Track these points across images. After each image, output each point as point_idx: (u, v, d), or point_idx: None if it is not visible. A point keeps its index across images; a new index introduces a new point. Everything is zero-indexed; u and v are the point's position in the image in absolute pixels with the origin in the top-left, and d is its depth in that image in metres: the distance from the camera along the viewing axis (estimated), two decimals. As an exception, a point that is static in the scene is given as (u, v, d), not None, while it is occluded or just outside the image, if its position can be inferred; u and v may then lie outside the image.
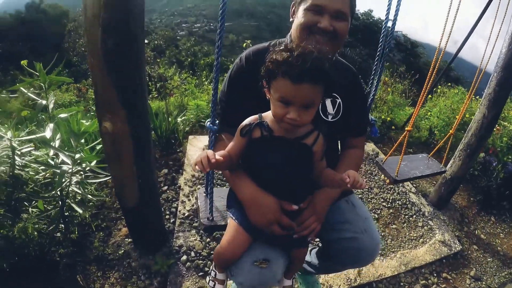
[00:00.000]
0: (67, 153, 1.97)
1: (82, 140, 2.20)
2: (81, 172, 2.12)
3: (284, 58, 1.06)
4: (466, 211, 3.74)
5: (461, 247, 3.05)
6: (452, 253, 2.96)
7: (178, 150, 3.75)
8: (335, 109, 1.52)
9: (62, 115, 2.17)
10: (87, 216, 2.56)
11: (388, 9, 1.63)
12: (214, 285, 1.46)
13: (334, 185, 1.26)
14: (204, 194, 1.71)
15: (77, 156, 2.05)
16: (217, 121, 1.47)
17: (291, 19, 1.49)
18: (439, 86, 5.32)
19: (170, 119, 4.06)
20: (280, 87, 1.08)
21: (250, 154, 1.26)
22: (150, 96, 5.67)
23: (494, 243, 3.39)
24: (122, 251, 2.44)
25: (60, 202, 2.17)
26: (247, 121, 1.24)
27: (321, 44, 1.28)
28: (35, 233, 2.15)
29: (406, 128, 2.29)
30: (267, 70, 1.12)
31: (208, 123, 1.46)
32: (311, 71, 1.04)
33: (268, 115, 1.23)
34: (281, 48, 1.12)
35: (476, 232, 3.46)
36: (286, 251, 1.40)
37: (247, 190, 1.29)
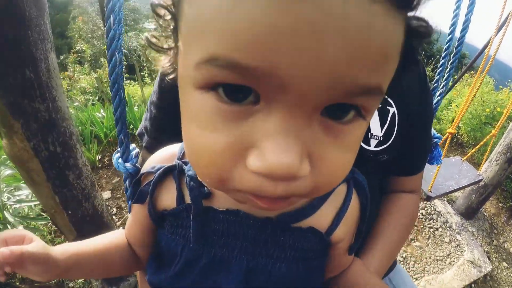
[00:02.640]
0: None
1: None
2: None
3: None
4: (495, 219, 3.28)
5: (491, 266, 2.57)
6: (482, 275, 2.48)
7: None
8: (384, 128, 0.74)
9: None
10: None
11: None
12: None
13: None
14: None
15: (6, 173, 1.58)
16: (136, 151, 0.74)
17: None
18: (466, 75, 4.71)
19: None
20: (218, 8, 0.25)
21: (161, 254, 0.54)
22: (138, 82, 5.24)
23: (523, 258, 2.98)
24: (83, 279, 2.04)
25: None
26: (154, 158, 0.55)
27: None
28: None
29: (448, 131, 1.74)
30: None
31: (117, 156, 0.71)
32: None
33: None
34: None
35: (506, 245, 3.01)
36: None
37: None
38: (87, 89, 5.42)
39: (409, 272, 2.37)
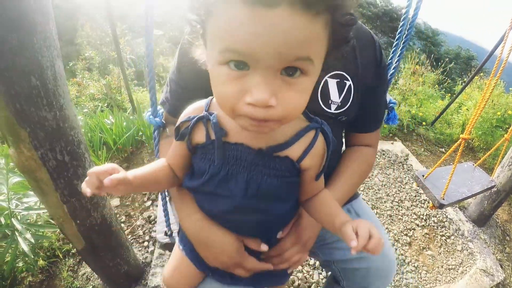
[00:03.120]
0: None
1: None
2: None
3: None
4: (507, 226, 3.18)
5: (503, 275, 2.50)
6: (494, 284, 2.41)
7: (171, 155, 3.21)
8: (342, 96, 1.01)
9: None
10: (53, 242, 2.19)
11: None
12: None
13: (331, 230, 0.79)
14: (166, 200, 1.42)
15: (15, 180, 1.58)
16: (162, 110, 1.12)
17: None
18: (476, 77, 4.63)
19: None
20: (224, 27, 0.52)
21: (193, 170, 0.82)
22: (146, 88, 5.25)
23: (535, 266, 2.89)
24: (91, 286, 2.05)
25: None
26: (187, 111, 0.80)
27: None
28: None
29: (461, 136, 1.71)
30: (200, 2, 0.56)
31: (148, 114, 1.08)
32: None
33: None
34: None
35: (517, 253, 2.94)
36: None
37: (191, 221, 0.87)
38: (96, 95, 5.43)
39: (421, 282, 2.31)
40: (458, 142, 1.79)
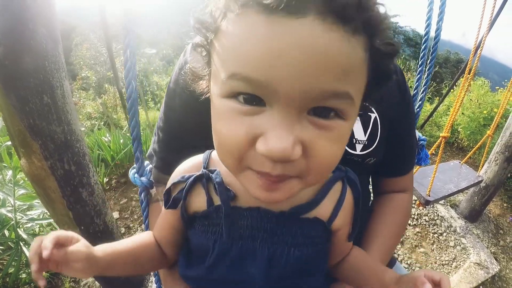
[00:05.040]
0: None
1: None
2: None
3: None
4: (500, 220, 3.26)
5: (498, 267, 2.56)
6: (490, 277, 2.47)
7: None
8: (368, 133, 0.79)
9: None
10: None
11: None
12: None
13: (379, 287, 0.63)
14: None
15: (20, 192, 1.66)
16: (150, 167, 0.84)
17: None
18: (461, 79, 4.74)
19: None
20: (231, 44, 0.39)
21: (191, 251, 0.63)
22: (142, 106, 5.35)
23: (531, 257, 2.95)
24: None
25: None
26: (181, 169, 0.61)
27: None
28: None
29: (441, 135, 1.82)
30: (206, 18, 0.42)
31: (133, 172, 0.81)
32: None
33: None
34: None
35: (513, 245, 3.00)
36: None
37: None
38: (93, 114, 5.51)
39: (415, 277, 2.38)
40: (438, 141, 1.89)
